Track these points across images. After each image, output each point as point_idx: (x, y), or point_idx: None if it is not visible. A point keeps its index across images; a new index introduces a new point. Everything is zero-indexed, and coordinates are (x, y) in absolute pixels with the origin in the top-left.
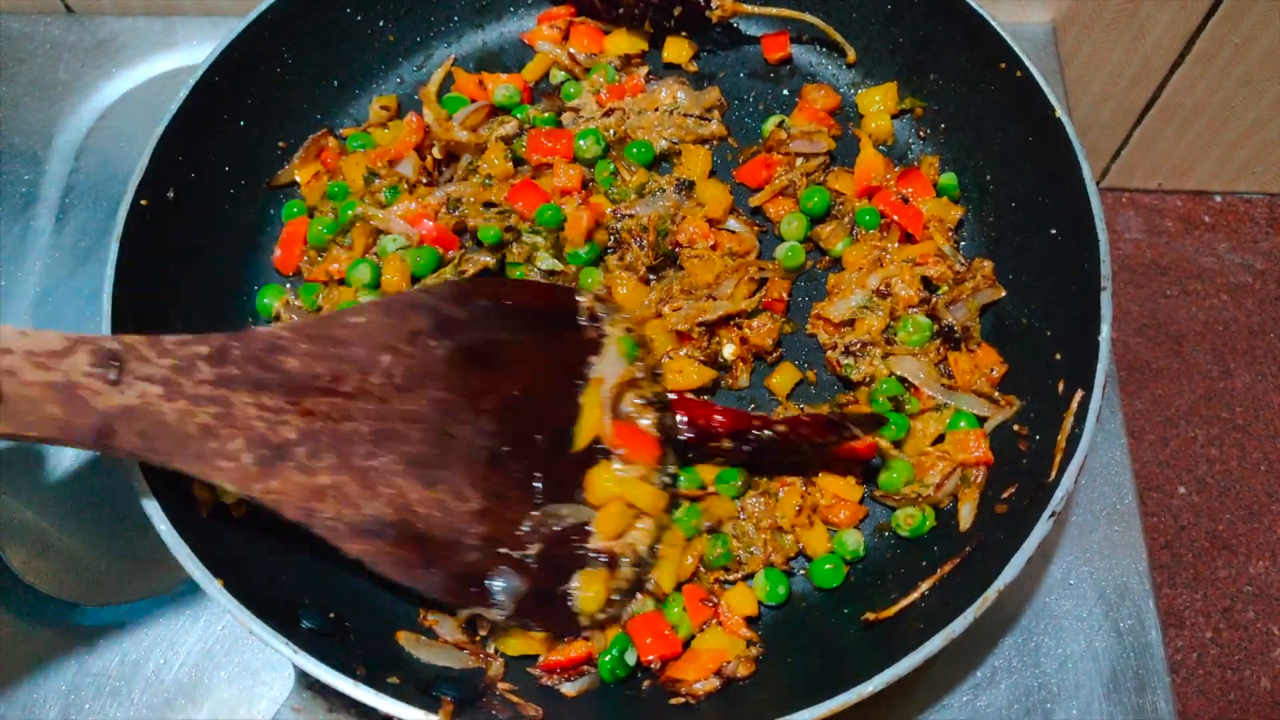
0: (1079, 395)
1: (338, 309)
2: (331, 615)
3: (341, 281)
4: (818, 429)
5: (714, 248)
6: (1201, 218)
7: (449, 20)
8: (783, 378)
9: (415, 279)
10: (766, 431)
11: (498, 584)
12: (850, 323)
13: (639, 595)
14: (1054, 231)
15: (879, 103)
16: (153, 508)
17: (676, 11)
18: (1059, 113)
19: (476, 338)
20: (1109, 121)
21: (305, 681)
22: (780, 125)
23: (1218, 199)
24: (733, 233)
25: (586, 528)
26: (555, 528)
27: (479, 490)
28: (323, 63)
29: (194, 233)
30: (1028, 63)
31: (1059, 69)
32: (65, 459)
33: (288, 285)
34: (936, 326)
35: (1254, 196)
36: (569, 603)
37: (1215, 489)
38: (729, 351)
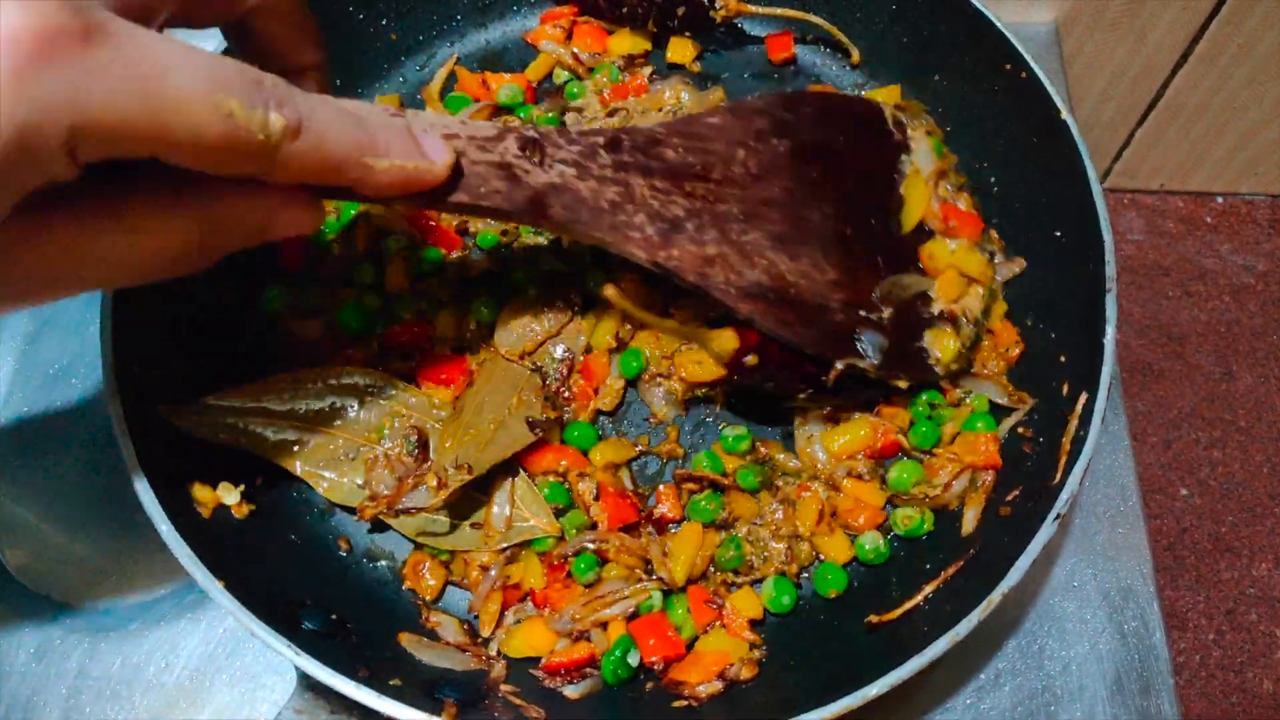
0: (1083, 397)
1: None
2: (333, 617)
3: (345, 281)
4: None
5: None
6: (1204, 219)
7: (451, 19)
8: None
9: (418, 279)
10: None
11: (865, 339)
12: None
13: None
14: (1058, 233)
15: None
16: (154, 509)
17: (680, 11)
18: (1063, 114)
19: (809, 137)
20: (1111, 122)
21: (307, 683)
22: None
23: (1220, 200)
24: None
25: (928, 294)
26: (902, 295)
27: (833, 263)
28: None
29: None
30: (1032, 63)
31: (1061, 69)
32: (67, 459)
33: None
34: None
35: (1256, 198)
36: (925, 357)
37: (1218, 491)
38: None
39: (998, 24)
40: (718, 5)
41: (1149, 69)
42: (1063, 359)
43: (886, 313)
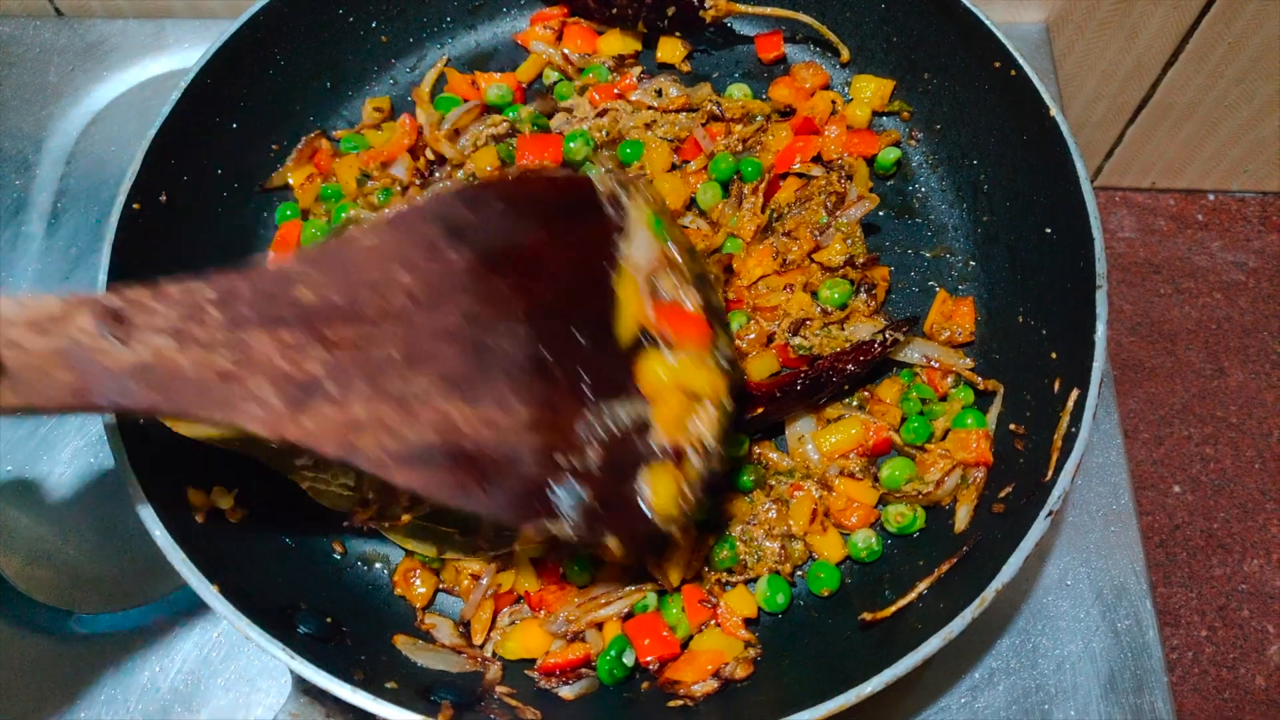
0: (1075, 394)
1: (341, 233)
2: (328, 620)
3: None
4: (859, 351)
5: None
6: (1194, 216)
7: (442, 21)
8: (762, 364)
9: None
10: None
11: (562, 495)
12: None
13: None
14: (1049, 230)
15: (869, 94)
16: (148, 514)
17: (669, 11)
18: (1053, 111)
19: (496, 240)
20: (1102, 120)
21: (302, 687)
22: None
23: (1211, 197)
24: (700, 229)
25: (646, 423)
26: (613, 428)
27: (526, 400)
28: (315, 64)
29: (187, 237)
30: (1022, 61)
31: (1052, 68)
32: (60, 465)
33: None
34: (854, 284)
35: (1247, 195)
36: (640, 504)
37: (1209, 487)
38: None
39: (987, 22)
40: (707, 5)
41: (1139, 68)
42: (1054, 355)
43: (594, 454)
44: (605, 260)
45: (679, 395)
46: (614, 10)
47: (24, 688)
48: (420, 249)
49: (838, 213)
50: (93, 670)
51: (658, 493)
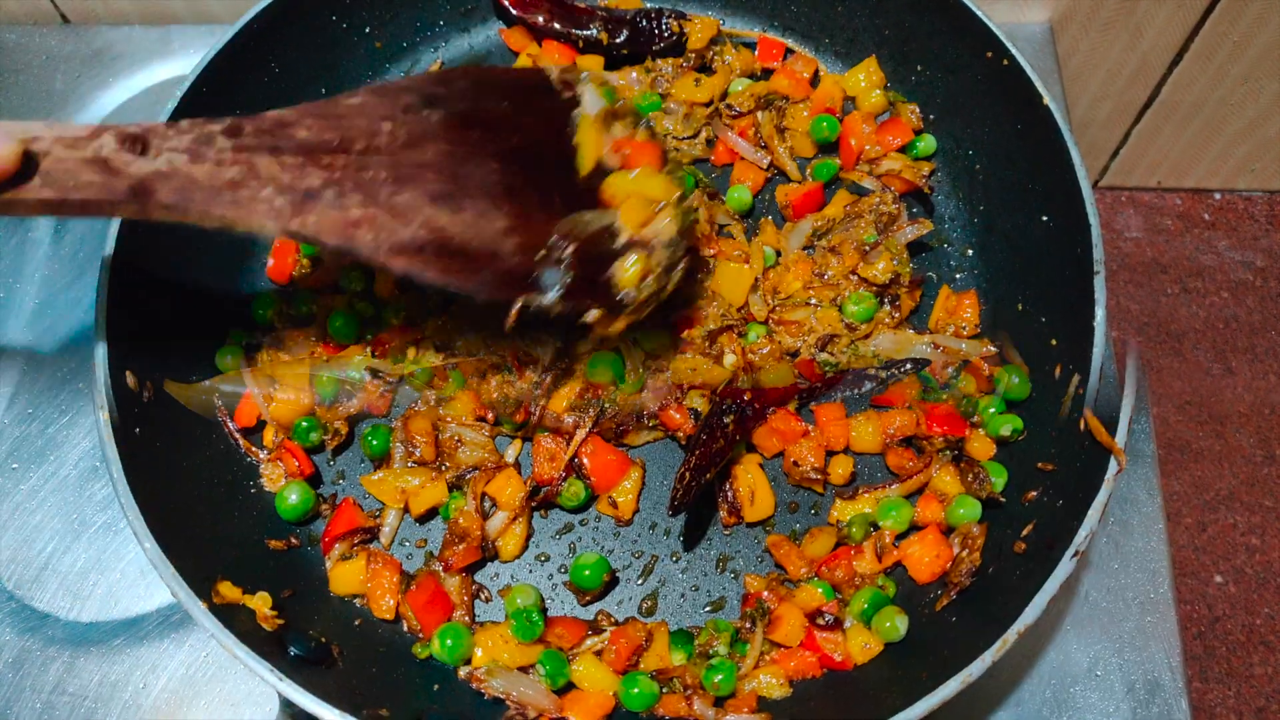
0: (1076, 379)
1: None
2: (321, 641)
3: (335, 288)
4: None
5: (715, 255)
6: (1201, 215)
7: (434, 25)
8: (776, 375)
9: (406, 286)
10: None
11: (544, 276)
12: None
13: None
14: (1045, 218)
15: (864, 80)
16: (139, 525)
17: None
18: (1047, 100)
19: (464, 107)
20: (1107, 120)
21: (290, 712)
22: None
23: (1217, 196)
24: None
25: (614, 227)
26: (583, 231)
27: (504, 212)
28: (310, 70)
29: (187, 242)
30: (1014, 50)
31: (1056, 68)
32: (63, 471)
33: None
34: (876, 294)
35: (1253, 194)
36: (611, 285)
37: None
38: (729, 361)
39: (979, 13)
40: (685, 32)
41: (1144, 67)
42: (1054, 342)
43: (569, 249)
44: (561, 127)
45: (641, 198)
46: (580, 45)
47: (3, 692)
48: (399, 108)
49: (888, 232)
50: (75, 681)
51: (622, 273)
